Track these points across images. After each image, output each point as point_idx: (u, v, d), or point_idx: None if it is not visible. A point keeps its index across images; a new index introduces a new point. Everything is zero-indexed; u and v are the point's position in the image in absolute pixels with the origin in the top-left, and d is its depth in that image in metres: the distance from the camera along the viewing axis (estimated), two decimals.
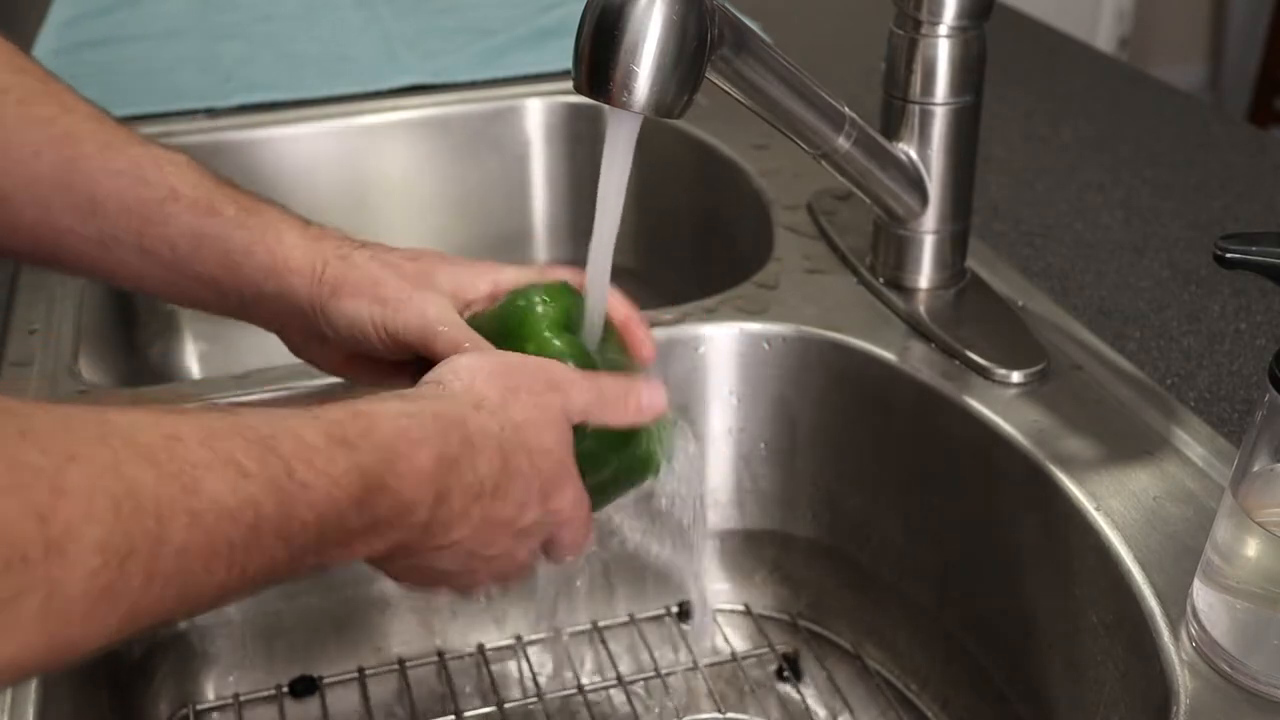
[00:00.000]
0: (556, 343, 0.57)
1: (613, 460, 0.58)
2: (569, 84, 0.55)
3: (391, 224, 1.12)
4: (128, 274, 0.62)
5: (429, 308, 0.58)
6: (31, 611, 0.35)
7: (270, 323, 0.62)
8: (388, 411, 0.49)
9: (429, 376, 0.54)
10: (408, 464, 0.48)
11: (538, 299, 0.58)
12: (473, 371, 0.53)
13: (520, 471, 0.52)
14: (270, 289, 0.59)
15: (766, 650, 0.83)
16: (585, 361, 0.57)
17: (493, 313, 0.59)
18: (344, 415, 0.47)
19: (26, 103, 0.61)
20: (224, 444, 0.42)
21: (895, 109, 0.74)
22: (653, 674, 0.81)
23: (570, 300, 0.59)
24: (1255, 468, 0.52)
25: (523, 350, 0.57)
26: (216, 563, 0.41)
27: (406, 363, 0.59)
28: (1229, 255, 0.52)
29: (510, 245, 1.16)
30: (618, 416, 0.56)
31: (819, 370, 0.78)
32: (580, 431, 0.55)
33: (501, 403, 0.52)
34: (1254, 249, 0.52)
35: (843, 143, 0.68)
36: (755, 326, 0.79)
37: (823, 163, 0.70)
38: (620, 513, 0.84)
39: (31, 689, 0.55)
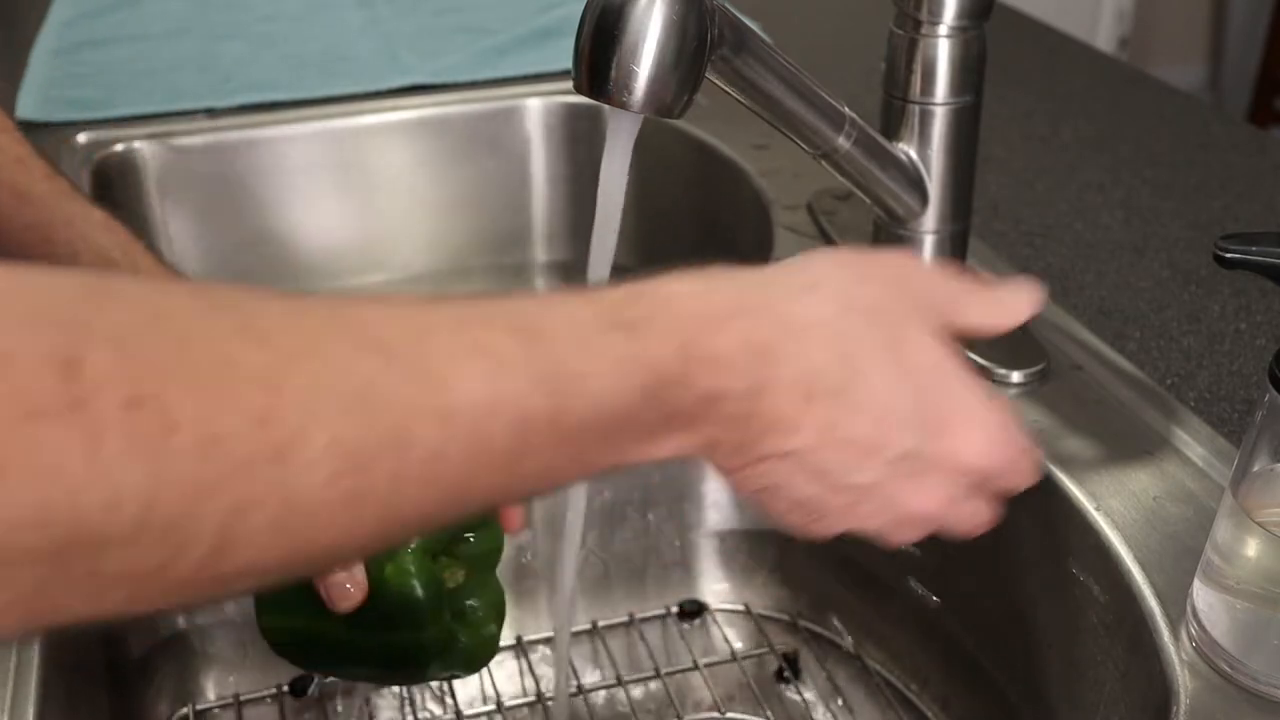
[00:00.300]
0: (410, 567, 0.59)
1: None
2: (569, 84, 0.55)
3: (391, 224, 1.12)
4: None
5: None
6: (266, 521, 0.32)
7: None
8: (679, 291, 0.42)
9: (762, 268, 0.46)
10: (705, 348, 0.41)
11: None
12: (809, 259, 0.46)
13: (875, 373, 0.43)
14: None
15: (766, 650, 0.83)
16: (433, 591, 0.60)
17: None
18: (624, 296, 0.41)
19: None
20: (479, 332, 0.37)
21: (895, 109, 0.74)
22: (653, 674, 0.81)
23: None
24: (1255, 468, 0.52)
25: (379, 567, 0.58)
26: (479, 464, 0.36)
27: None
28: (1229, 255, 0.52)
29: (510, 245, 1.16)
30: (1001, 316, 0.48)
31: None
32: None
33: (845, 293, 0.44)
34: (1254, 249, 0.52)
35: (843, 143, 0.68)
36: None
37: (823, 163, 0.70)
38: (620, 512, 0.84)
39: (31, 688, 0.55)
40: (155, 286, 0.34)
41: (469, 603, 0.62)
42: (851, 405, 0.43)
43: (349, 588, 0.57)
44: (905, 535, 0.48)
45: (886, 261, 0.46)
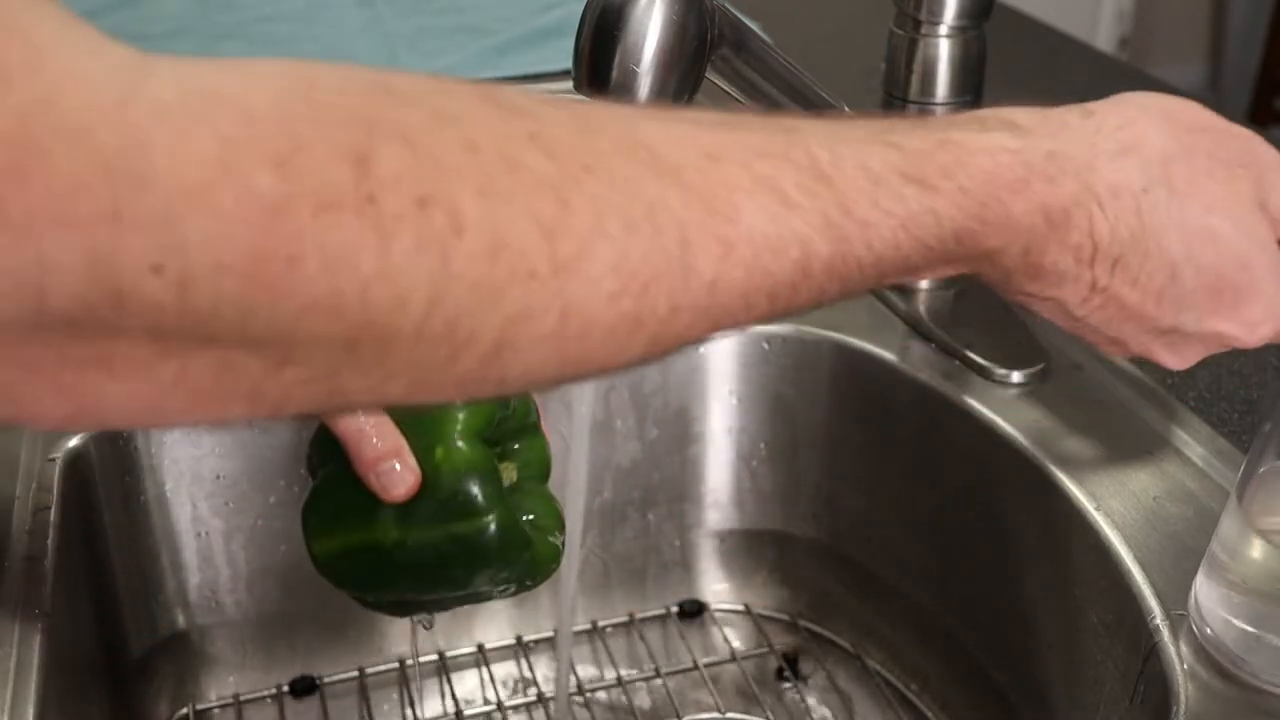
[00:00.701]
0: (464, 448, 0.55)
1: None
2: (569, 84, 0.55)
3: None
4: None
5: None
6: (545, 331, 0.32)
7: None
8: (984, 145, 0.41)
9: (1081, 107, 0.45)
10: (1000, 213, 0.41)
11: None
12: (1141, 110, 0.45)
13: (1165, 248, 0.43)
14: None
15: (766, 650, 0.83)
16: (490, 477, 0.55)
17: None
18: (928, 145, 0.40)
19: None
20: (769, 167, 0.37)
21: (895, 109, 0.74)
22: (653, 674, 0.81)
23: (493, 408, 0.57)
24: (1262, 468, 0.52)
25: (429, 452, 0.54)
26: (756, 297, 0.36)
27: None
28: None
29: None
30: None
31: (819, 370, 0.78)
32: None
33: (1162, 156, 0.43)
34: None
35: None
36: (755, 326, 0.79)
37: None
38: (620, 512, 0.84)
39: (31, 688, 0.55)
40: (443, 86, 0.33)
41: (526, 509, 0.58)
42: (1129, 276, 0.43)
43: (397, 468, 0.54)
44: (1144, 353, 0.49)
45: (1227, 135, 0.45)
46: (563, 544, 0.58)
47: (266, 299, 0.29)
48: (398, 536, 0.55)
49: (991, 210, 0.41)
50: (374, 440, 0.53)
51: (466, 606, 0.80)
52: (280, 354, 0.30)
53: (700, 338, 0.37)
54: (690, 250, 0.35)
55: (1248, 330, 0.46)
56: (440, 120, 0.32)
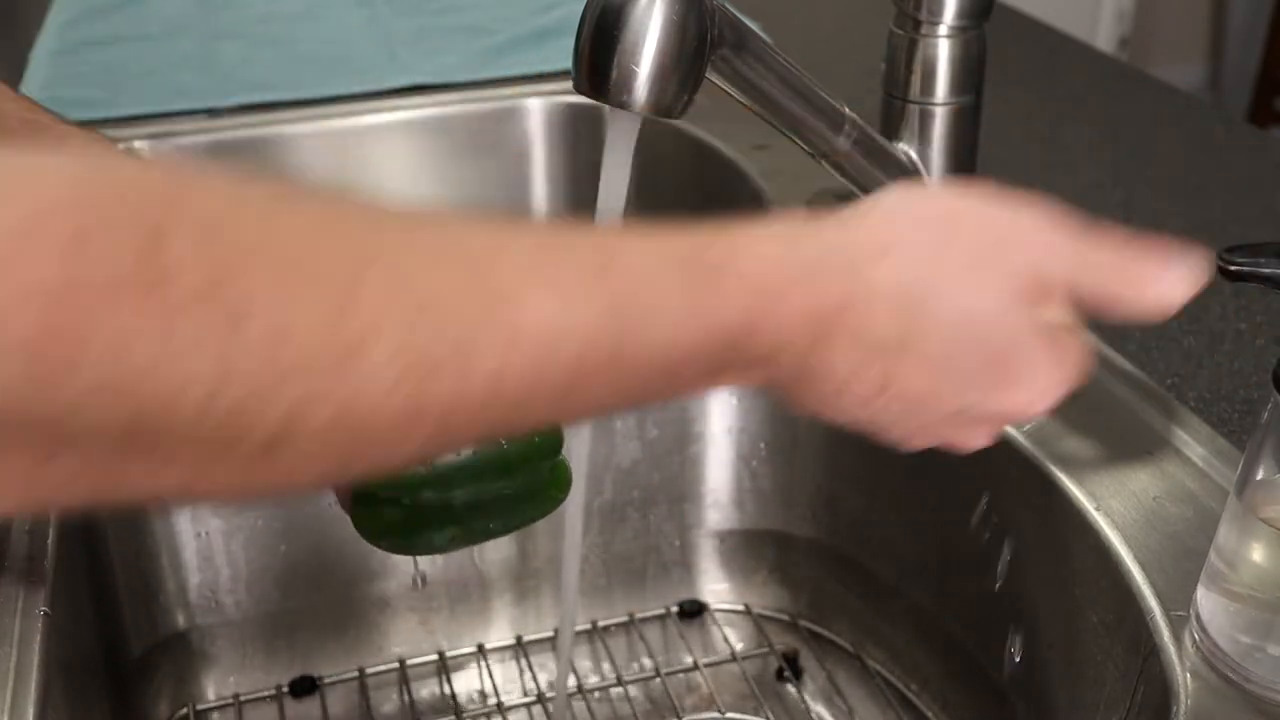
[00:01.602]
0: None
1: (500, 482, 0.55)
2: (569, 84, 0.55)
3: None
4: None
5: None
6: (325, 421, 0.32)
7: None
8: (756, 249, 0.42)
9: (837, 217, 0.45)
10: (771, 310, 0.41)
11: None
12: (893, 212, 0.45)
13: (935, 344, 0.44)
14: None
15: (766, 650, 0.83)
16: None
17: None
18: (701, 243, 0.41)
19: None
20: (556, 258, 0.38)
21: (895, 109, 0.74)
22: (653, 674, 0.81)
23: None
24: (1260, 473, 0.52)
25: None
26: (537, 389, 0.37)
27: None
28: (1234, 268, 0.52)
29: None
30: (1130, 291, 0.46)
31: None
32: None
33: (922, 255, 0.44)
34: (1260, 261, 0.51)
35: (843, 143, 0.68)
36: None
37: (823, 163, 0.70)
38: (620, 512, 0.84)
39: (31, 688, 0.55)
40: (243, 179, 0.33)
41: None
42: (906, 370, 0.44)
43: None
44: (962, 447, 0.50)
45: (984, 221, 0.46)
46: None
47: (50, 381, 0.29)
48: (437, 499, 0.54)
49: (764, 309, 0.41)
50: None
51: (467, 606, 0.80)
52: (56, 442, 0.30)
53: (483, 434, 0.37)
54: (474, 342, 0.35)
55: (1027, 405, 0.47)
56: (236, 207, 0.32)
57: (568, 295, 0.37)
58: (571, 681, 0.80)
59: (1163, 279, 0.47)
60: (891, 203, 0.45)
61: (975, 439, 0.49)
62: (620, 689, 0.80)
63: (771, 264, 0.42)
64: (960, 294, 0.44)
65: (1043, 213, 0.47)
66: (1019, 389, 0.46)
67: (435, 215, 0.38)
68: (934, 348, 0.44)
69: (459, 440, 0.37)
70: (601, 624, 0.84)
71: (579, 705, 0.80)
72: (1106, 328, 0.77)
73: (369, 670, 0.81)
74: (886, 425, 0.47)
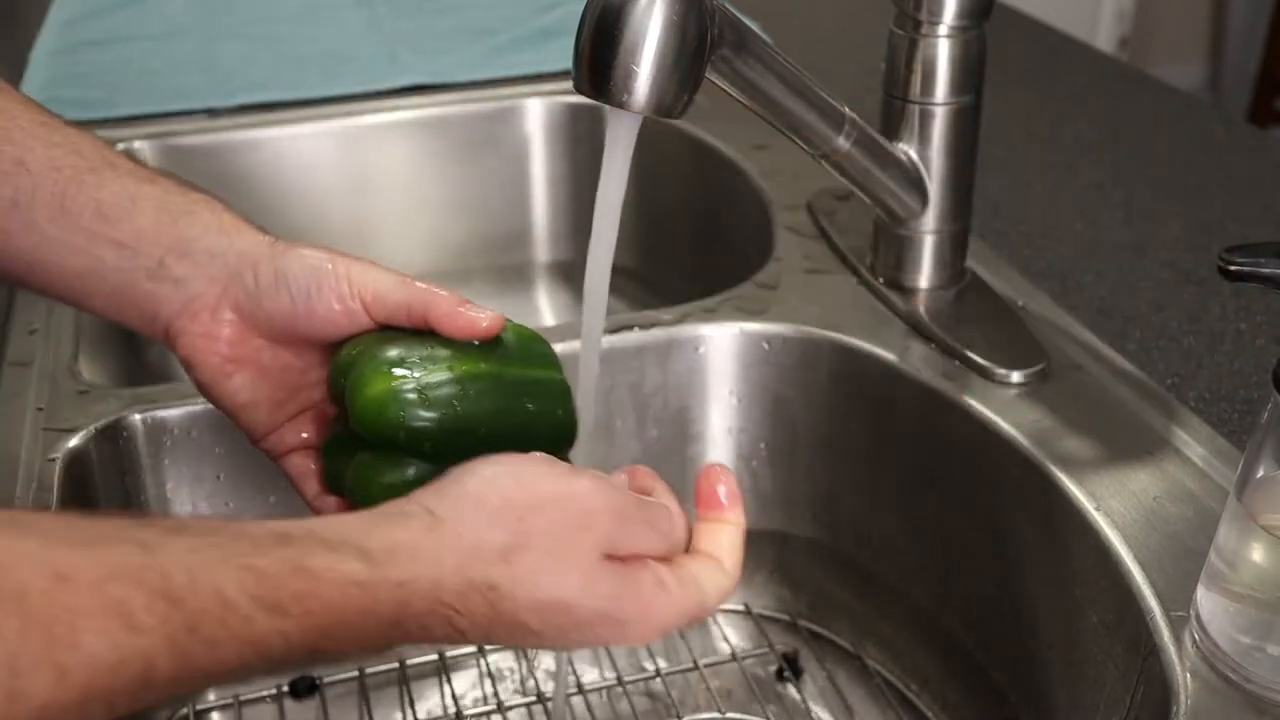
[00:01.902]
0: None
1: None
2: (569, 84, 0.55)
3: (391, 224, 1.12)
4: (27, 241, 0.57)
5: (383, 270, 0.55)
6: None
7: (176, 290, 0.56)
8: (335, 577, 0.43)
9: (419, 497, 0.47)
10: (346, 632, 0.43)
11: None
12: (474, 504, 0.47)
13: (525, 633, 0.47)
14: (206, 245, 0.56)
15: (766, 650, 0.83)
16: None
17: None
18: (282, 572, 0.42)
19: None
20: (120, 590, 0.38)
21: (895, 109, 0.74)
22: (653, 674, 0.81)
23: None
24: (1259, 473, 0.52)
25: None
26: (93, 710, 0.37)
27: (324, 351, 0.56)
28: (1233, 268, 0.52)
29: (510, 245, 1.16)
30: (667, 544, 0.50)
31: (819, 370, 0.78)
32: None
33: (501, 551, 0.46)
34: (1260, 261, 0.51)
35: (843, 143, 0.68)
36: (755, 326, 0.79)
37: (823, 163, 0.70)
38: None
39: None
40: None
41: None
42: (498, 642, 0.47)
43: (478, 310, 0.53)
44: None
45: (563, 504, 0.47)
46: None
47: None
48: (486, 366, 0.53)
49: (341, 632, 0.43)
50: (443, 293, 0.53)
51: None
52: None
53: None
54: (20, 679, 0.35)
55: (634, 643, 0.49)
56: None
57: (129, 631, 0.37)
58: (571, 681, 0.80)
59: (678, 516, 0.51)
60: (475, 493, 0.47)
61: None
62: (620, 689, 0.80)
63: (355, 593, 0.43)
64: (546, 581, 0.46)
65: (609, 488, 0.49)
66: (620, 636, 0.48)
67: (6, 525, 0.38)
68: (524, 639, 0.47)
69: None
70: None
71: (579, 705, 0.80)
72: (1107, 328, 0.77)
73: (369, 670, 0.81)
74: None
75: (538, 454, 0.50)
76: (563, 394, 0.55)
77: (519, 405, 0.54)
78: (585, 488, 0.48)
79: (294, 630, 0.41)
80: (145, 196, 0.57)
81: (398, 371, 0.52)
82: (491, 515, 0.46)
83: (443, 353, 0.53)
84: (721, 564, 0.51)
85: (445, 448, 0.52)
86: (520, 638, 0.47)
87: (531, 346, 0.55)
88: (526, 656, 0.83)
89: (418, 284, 0.54)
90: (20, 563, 0.36)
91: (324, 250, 0.56)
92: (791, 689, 0.81)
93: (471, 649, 0.82)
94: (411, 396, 0.51)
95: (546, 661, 0.83)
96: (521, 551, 0.46)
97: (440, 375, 0.52)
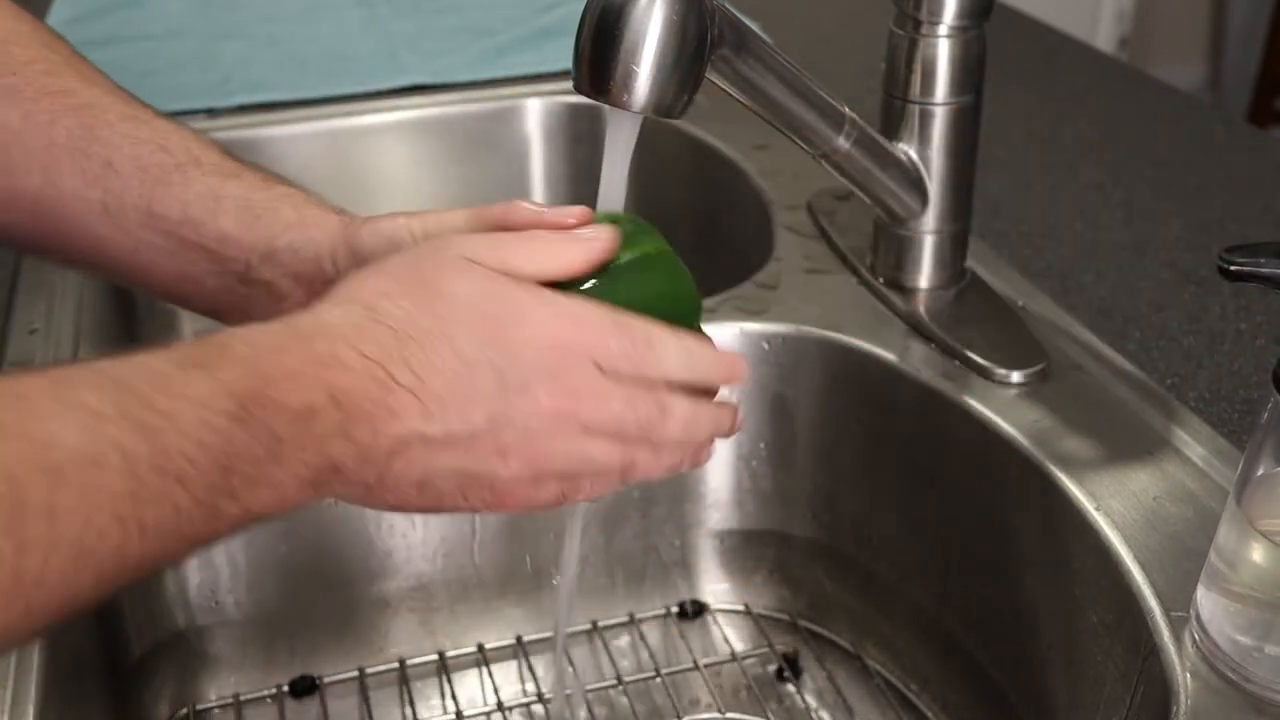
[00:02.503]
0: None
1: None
2: (569, 84, 0.55)
3: None
4: (124, 244, 0.58)
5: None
6: None
7: (268, 293, 0.57)
8: (244, 331, 0.44)
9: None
10: (276, 367, 0.43)
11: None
12: (361, 275, 0.48)
13: (432, 330, 0.46)
14: (288, 242, 0.56)
15: (766, 650, 0.83)
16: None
17: None
18: (196, 343, 0.43)
19: (50, 75, 0.60)
20: (71, 391, 0.39)
21: (895, 109, 0.74)
22: (653, 674, 0.81)
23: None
24: (1259, 472, 0.52)
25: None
26: (100, 516, 0.38)
27: None
28: (1233, 268, 0.52)
29: None
30: (545, 261, 0.49)
31: (819, 370, 0.78)
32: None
33: (369, 281, 0.47)
34: (1260, 261, 0.51)
35: (843, 143, 0.68)
36: (755, 326, 0.79)
37: (823, 163, 0.70)
38: (620, 512, 0.84)
39: (31, 688, 0.55)
40: None
41: None
42: (427, 371, 0.45)
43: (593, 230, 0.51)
44: (587, 490, 0.50)
45: (407, 253, 0.49)
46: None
47: None
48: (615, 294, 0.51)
49: (268, 367, 0.43)
50: (519, 207, 0.52)
51: (467, 606, 0.80)
52: None
53: (68, 578, 0.38)
54: (18, 486, 0.36)
55: (581, 403, 0.48)
56: None
57: (93, 421, 0.38)
58: (573, 681, 0.81)
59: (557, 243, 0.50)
60: (358, 273, 0.48)
61: (563, 450, 0.48)
62: (620, 689, 0.80)
63: (260, 333, 0.44)
64: (458, 307, 0.46)
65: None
66: (548, 390, 0.47)
67: None
68: (441, 364, 0.46)
69: (50, 601, 0.38)
70: (601, 624, 0.84)
71: (579, 705, 0.80)
72: (1107, 328, 0.77)
73: (369, 670, 0.81)
74: (466, 478, 0.47)
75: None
76: (668, 265, 0.53)
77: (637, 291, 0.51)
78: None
79: (233, 380, 0.42)
80: (228, 195, 0.58)
81: None
82: (358, 274, 0.48)
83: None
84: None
85: None
86: (440, 352, 0.46)
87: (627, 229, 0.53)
88: (527, 657, 0.83)
89: (492, 209, 0.53)
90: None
91: (394, 216, 0.56)
92: (791, 689, 0.81)
93: (472, 647, 0.82)
94: None
95: (547, 663, 0.83)
96: (385, 274, 0.47)
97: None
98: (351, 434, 0.44)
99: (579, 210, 0.52)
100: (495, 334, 0.46)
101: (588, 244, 0.50)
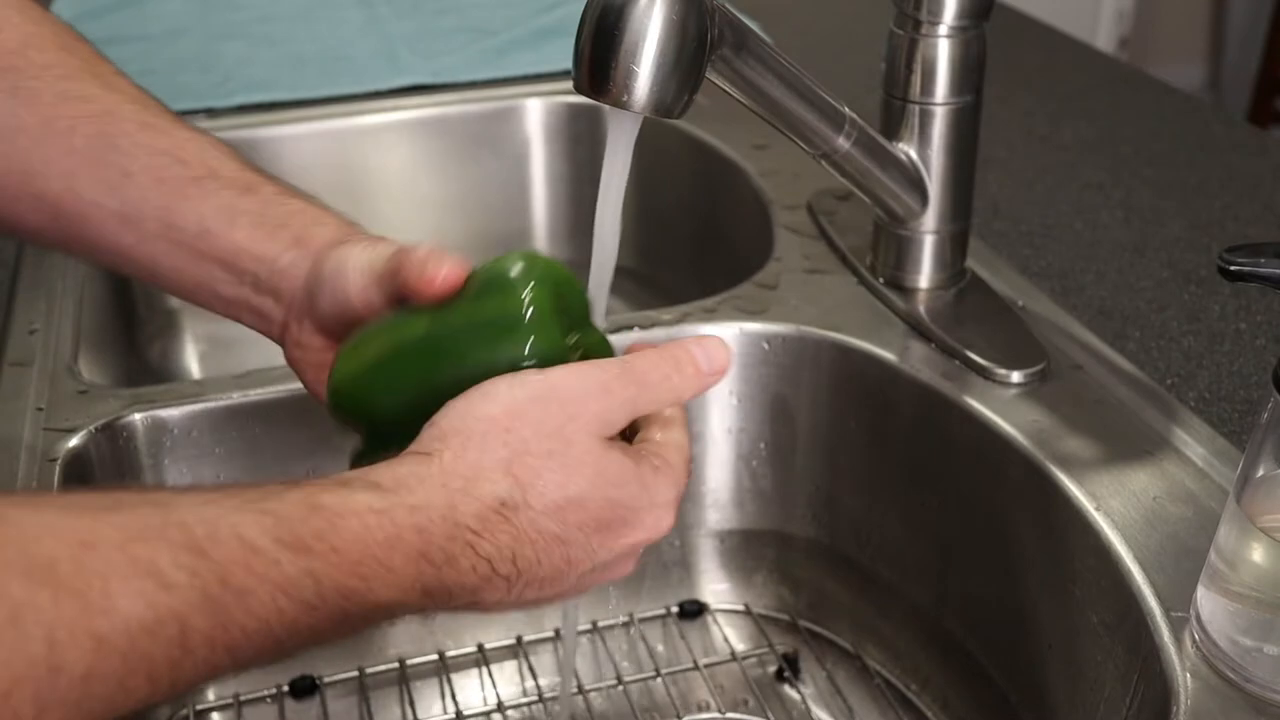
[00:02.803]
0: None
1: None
2: (569, 84, 0.55)
3: (391, 224, 1.12)
4: (143, 254, 0.59)
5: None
6: None
7: (276, 304, 0.58)
8: (353, 508, 0.43)
9: (417, 446, 0.47)
10: (375, 567, 0.42)
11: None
12: (460, 436, 0.46)
13: (547, 536, 0.47)
14: (291, 259, 0.57)
15: (766, 650, 0.83)
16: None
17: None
18: (298, 512, 0.42)
19: (68, 79, 0.61)
20: (145, 549, 0.37)
21: (895, 109, 0.74)
22: (653, 674, 0.81)
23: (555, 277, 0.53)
24: (1259, 473, 0.52)
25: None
26: (135, 680, 0.37)
27: None
28: (1234, 268, 0.51)
29: (510, 245, 1.16)
30: (671, 394, 0.49)
31: (819, 370, 0.78)
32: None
33: (502, 466, 0.46)
34: (1261, 261, 0.51)
35: (843, 143, 0.68)
36: (755, 326, 0.79)
37: (823, 163, 0.70)
38: None
39: None
40: None
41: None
42: (533, 561, 0.47)
43: (442, 260, 0.51)
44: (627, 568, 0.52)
45: (545, 405, 0.47)
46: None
47: None
48: (426, 327, 0.51)
49: (369, 567, 0.42)
50: (413, 254, 0.52)
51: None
52: None
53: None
54: (59, 650, 0.35)
55: (653, 531, 0.49)
56: None
57: (161, 589, 0.37)
58: (571, 681, 0.81)
59: (701, 355, 0.50)
60: (464, 428, 0.47)
61: (624, 569, 0.51)
62: (620, 689, 0.80)
63: (374, 520, 0.43)
64: (551, 485, 0.46)
65: (583, 369, 0.49)
66: (637, 527, 0.49)
67: (23, 504, 0.37)
68: (547, 541, 0.47)
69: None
70: (601, 624, 0.84)
71: (579, 705, 0.80)
72: (1107, 327, 0.77)
73: (369, 670, 0.81)
74: (541, 599, 0.49)
75: (501, 375, 0.49)
76: (515, 325, 0.50)
77: (469, 355, 0.50)
78: (559, 377, 0.48)
79: (322, 569, 0.41)
80: (243, 211, 0.58)
81: (337, 368, 0.53)
82: (482, 438, 0.46)
83: (383, 331, 0.52)
84: (673, 423, 0.52)
85: (415, 418, 0.50)
86: (549, 558, 0.47)
87: (492, 280, 0.51)
88: (527, 657, 0.83)
89: (398, 251, 0.53)
90: (44, 534, 0.36)
91: (348, 242, 0.56)
92: (791, 689, 0.81)
93: (472, 647, 0.82)
94: (348, 388, 0.52)
95: (547, 663, 0.83)
96: (520, 460, 0.46)
97: (373, 353, 0.52)
98: (422, 608, 0.46)
99: (448, 270, 0.51)
100: (608, 539, 0.48)
101: (705, 381, 0.51)
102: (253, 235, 0.57)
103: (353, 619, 0.43)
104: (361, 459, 0.54)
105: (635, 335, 0.78)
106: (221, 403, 0.72)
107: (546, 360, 0.50)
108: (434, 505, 0.44)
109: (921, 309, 0.77)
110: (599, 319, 0.57)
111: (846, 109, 0.67)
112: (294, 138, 1.07)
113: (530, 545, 0.46)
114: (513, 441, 0.46)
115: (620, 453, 0.48)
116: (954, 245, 0.78)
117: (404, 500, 0.44)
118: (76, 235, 0.60)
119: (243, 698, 0.79)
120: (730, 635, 0.85)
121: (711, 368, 0.50)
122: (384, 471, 0.45)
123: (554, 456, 0.46)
